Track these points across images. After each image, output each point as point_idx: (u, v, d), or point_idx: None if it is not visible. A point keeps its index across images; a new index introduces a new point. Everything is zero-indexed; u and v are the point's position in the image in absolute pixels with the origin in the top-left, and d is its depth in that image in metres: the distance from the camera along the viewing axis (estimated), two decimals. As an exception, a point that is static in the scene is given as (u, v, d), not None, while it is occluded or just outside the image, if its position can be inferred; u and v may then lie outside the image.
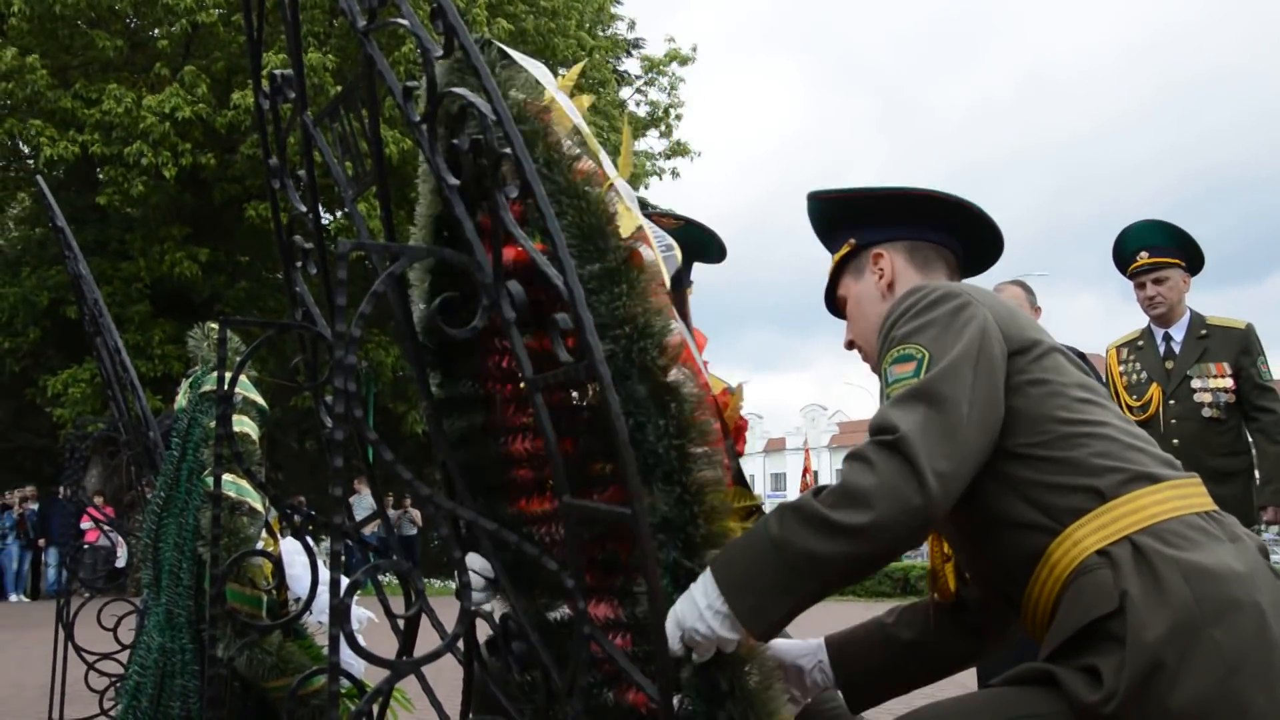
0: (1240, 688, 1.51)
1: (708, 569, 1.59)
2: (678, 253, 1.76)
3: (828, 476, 65.65)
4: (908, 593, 15.49)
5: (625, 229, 1.58)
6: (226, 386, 2.00)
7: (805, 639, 2.14)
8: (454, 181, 1.58)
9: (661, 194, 28.05)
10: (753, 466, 68.99)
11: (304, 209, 2.03)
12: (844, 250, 2.10)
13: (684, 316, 2.75)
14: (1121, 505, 1.65)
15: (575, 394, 1.75)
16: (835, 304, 2.18)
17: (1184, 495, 1.69)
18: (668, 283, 1.61)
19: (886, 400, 1.71)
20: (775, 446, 67.82)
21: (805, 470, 25.13)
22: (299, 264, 2.06)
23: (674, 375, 1.55)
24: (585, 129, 1.81)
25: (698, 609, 1.56)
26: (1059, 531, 1.67)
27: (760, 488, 63.96)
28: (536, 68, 1.61)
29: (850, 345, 2.14)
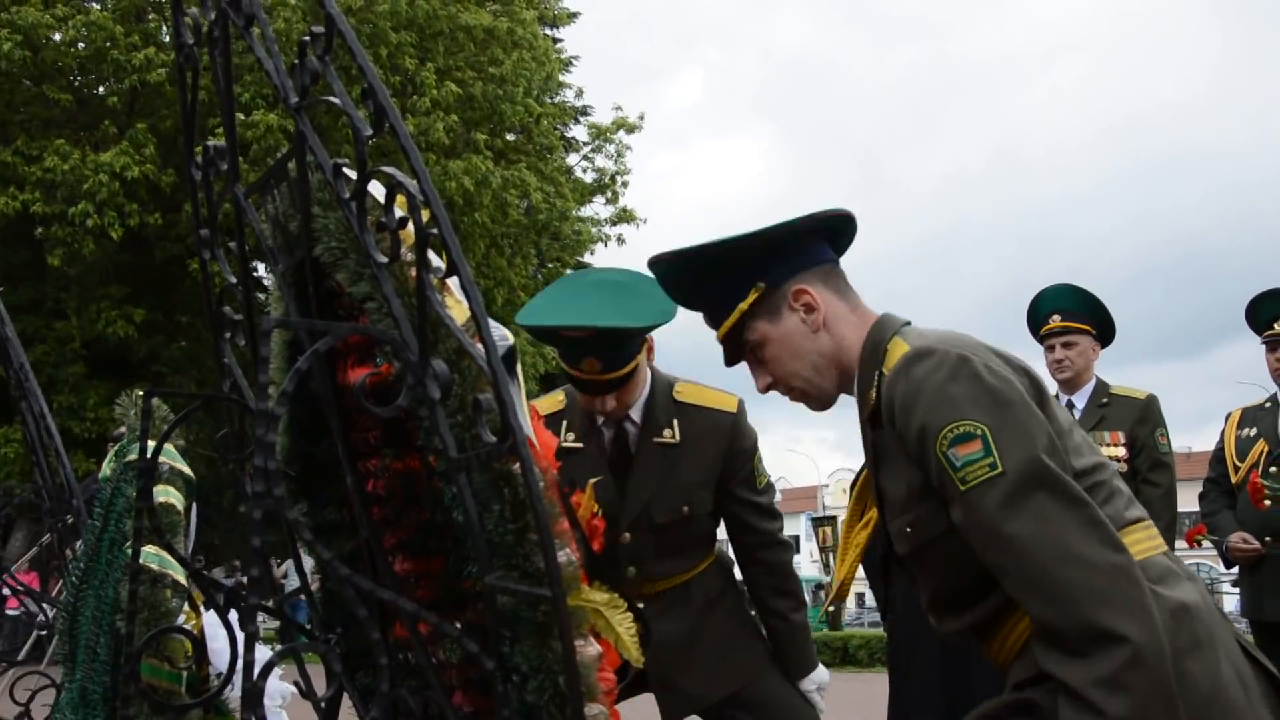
0: (1214, 717, 1.57)
1: None
2: (513, 341, 1.78)
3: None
4: (846, 662, 15.46)
5: (459, 318, 1.58)
6: (149, 457, 1.97)
7: None
8: (383, 259, 1.59)
9: (608, 259, 28.23)
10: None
11: (234, 280, 2.02)
12: (752, 297, 1.92)
13: None
14: None
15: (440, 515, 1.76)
16: (737, 353, 2.01)
17: (1151, 535, 1.76)
18: (515, 376, 1.62)
19: (968, 486, 1.64)
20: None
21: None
22: (228, 335, 2.05)
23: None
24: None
25: None
26: None
27: (703, 554, 63.55)
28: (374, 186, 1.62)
29: (769, 388, 2.00)
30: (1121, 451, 4.44)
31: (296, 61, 1.62)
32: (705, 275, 1.96)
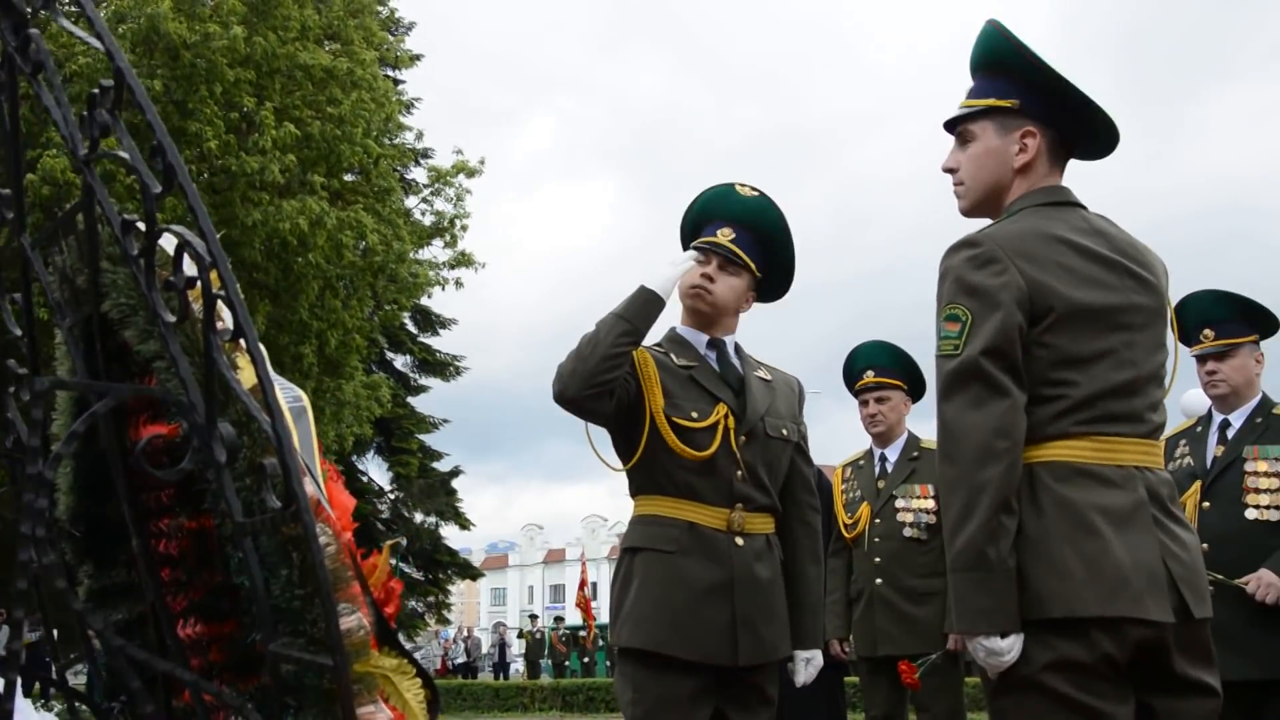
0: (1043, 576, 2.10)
1: None
2: (306, 404, 1.78)
3: (606, 589, 65.06)
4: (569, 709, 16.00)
5: (246, 381, 1.57)
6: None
7: None
8: (171, 319, 1.56)
9: (446, 303, 27.97)
10: (532, 578, 68.17)
11: (19, 333, 1.94)
12: (1004, 103, 2.26)
13: None
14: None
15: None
16: (955, 127, 2.33)
17: (1085, 447, 2.12)
18: (295, 433, 1.61)
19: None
20: (555, 558, 67.30)
21: (581, 583, 24.89)
22: (12, 390, 1.97)
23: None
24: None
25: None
26: None
27: (539, 600, 63.17)
28: (167, 239, 1.60)
29: (952, 171, 2.35)
30: (930, 504, 4.56)
31: (85, 113, 1.58)
32: (996, 58, 2.29)
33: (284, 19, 15.26)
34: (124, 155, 1.54)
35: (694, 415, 2.90)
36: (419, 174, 22.22)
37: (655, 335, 3.11)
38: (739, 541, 2.87)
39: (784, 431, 3.03)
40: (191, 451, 1.49)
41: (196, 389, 1.51)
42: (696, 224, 3.08)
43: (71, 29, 1.56)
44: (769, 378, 3.10)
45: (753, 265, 3.03)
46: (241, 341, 1.62)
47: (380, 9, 19.74)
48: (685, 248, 3.10)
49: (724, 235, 3.00)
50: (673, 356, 3.01)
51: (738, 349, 3.11)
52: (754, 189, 3.08)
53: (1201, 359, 3.97)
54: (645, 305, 2.84)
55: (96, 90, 1.55)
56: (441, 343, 27.52)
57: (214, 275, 1.44)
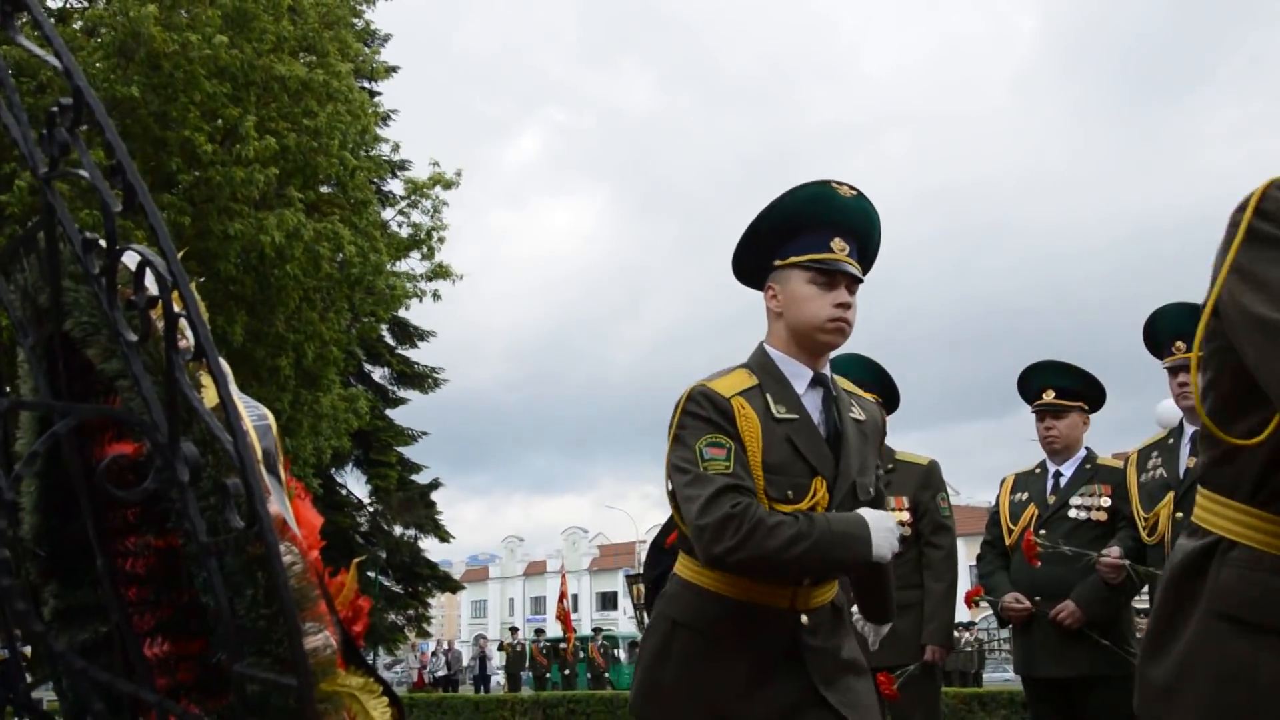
0: None
1: None
2: (271, 422, 1.77)
3: (586, 600, 65.26)
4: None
5: (209, 401, 1.57)
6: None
7: None
8: (133, 338, 1.55)
9: (424, 315, 27.87)
10: (513, 590, 67.97)
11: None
12: None
13: None
14: None
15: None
16: None
17: None
18: (259, 453, 1.61)
19: None
20: (536, 570, 67.17)
21: (562, 595, 24.90)
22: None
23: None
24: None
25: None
26: None
27: (520, 612, 63.00)
28: (131, 257, 1.59)
29: None
30: (905, 516, 4.58)
31: (45, 132, 1.57)
32: None
33: (260, 31, 15.22)
34: (84, 173, 1.53)
35: (790, 494, 2.50)
36: (396, 186, 22.20)
37: (744, 353, 2.74)
38: (804, 620, 2.53)
39: (871, 491, 2.67)
40: (154, 471, 1.48)
41: (159, 408, 1.50)
42: (787, 227, 2.66)
43: (30, 47, 1.55)
44: (862, 417, 2.72)
45: (862, 281, 2.70)
46: (204, 360, 1.62)
47: (355, 21, 19.73)
48: (759, 248, 2.71)
49: (841, 250, 2.62)
50: (770, 400, 2.58)
51: (834, 385, 2.72)
52: (852, 188, 2.68)
53: (1173, 371, 4.05)
54: (849, 565, 2.48)
55: (55, 109, 1.54)
56: (420, 355, 27.49)
57: (175, 295, 1.43)
